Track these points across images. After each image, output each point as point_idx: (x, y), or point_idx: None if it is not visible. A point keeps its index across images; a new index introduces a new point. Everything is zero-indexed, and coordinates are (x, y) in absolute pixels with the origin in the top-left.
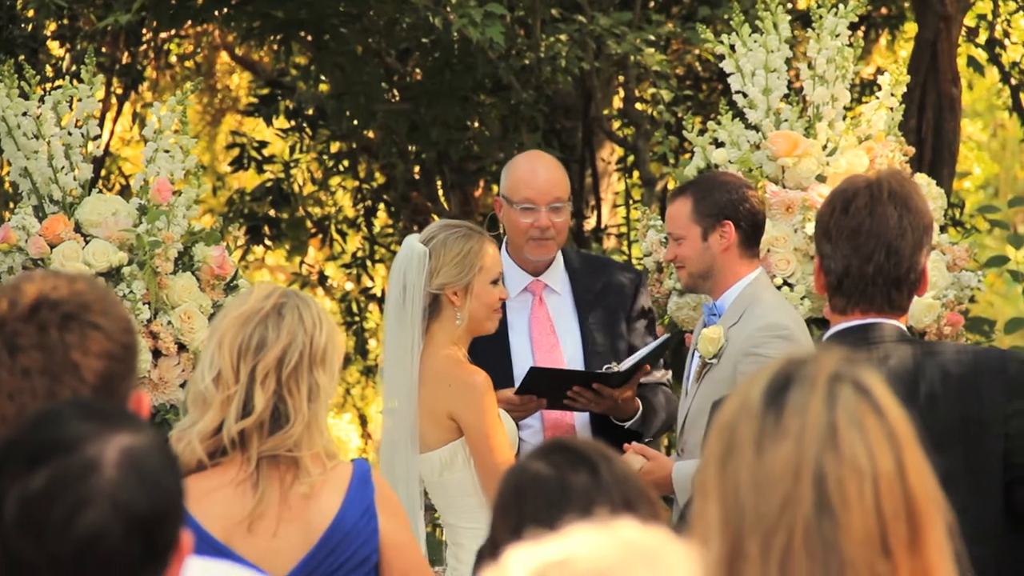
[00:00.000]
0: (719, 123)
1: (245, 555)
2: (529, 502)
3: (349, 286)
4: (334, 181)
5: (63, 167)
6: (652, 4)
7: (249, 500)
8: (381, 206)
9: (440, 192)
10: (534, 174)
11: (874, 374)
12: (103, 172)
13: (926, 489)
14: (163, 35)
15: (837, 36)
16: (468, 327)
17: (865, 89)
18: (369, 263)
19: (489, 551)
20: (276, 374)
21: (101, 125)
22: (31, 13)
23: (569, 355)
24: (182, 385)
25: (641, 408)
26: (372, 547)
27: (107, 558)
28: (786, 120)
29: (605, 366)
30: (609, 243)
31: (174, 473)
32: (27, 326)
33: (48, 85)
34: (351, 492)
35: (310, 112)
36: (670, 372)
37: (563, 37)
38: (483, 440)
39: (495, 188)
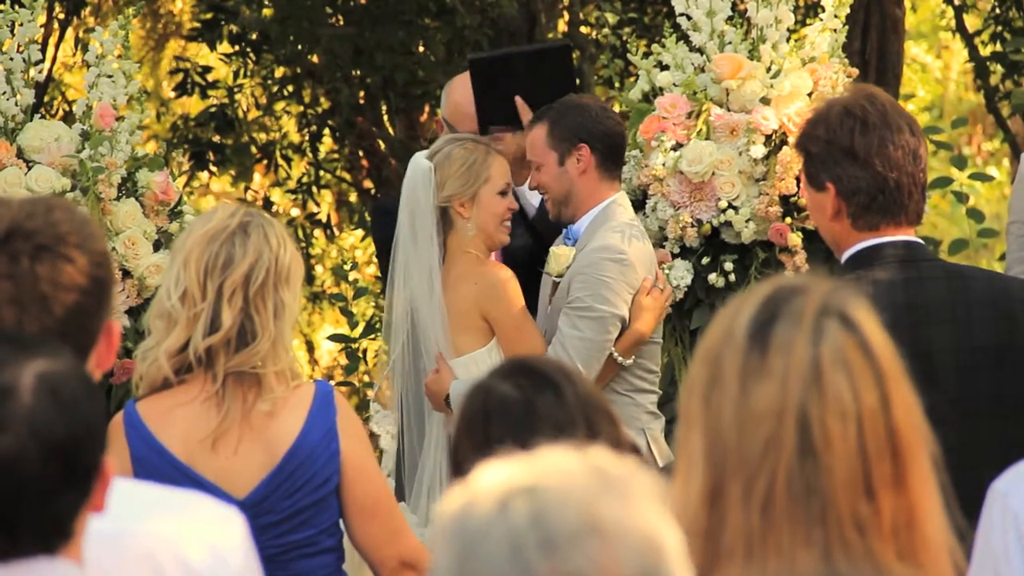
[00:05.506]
0: (663, 46)
1: (206, 474)
2: (495, 424)
3: (295, 212)
4: (279, 106)
5: (4, 92)
6: None
7: (213, 417)
8: (326, 131)
9: (385, 117)
10: (472, 102)
11: (862, 305)
12: (45, 98)
13: (911, 423)
14: None
15: None
16: (479, 240)
17: (809, 11)
18: (315, 189)
19: (453, 470)
20: (243, 291)
21: (43, 50)
22: None
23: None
24: (127, 311)
25: None
26: (333, 469)
27: (24, 483)
28: (730, 43)
29: None
30: None
31: (93, 398)
32: None
33: None
34: (313, 413)
35: (254, 37)
36: None
37: None
38: (514, 331)
39: (440, 112)
